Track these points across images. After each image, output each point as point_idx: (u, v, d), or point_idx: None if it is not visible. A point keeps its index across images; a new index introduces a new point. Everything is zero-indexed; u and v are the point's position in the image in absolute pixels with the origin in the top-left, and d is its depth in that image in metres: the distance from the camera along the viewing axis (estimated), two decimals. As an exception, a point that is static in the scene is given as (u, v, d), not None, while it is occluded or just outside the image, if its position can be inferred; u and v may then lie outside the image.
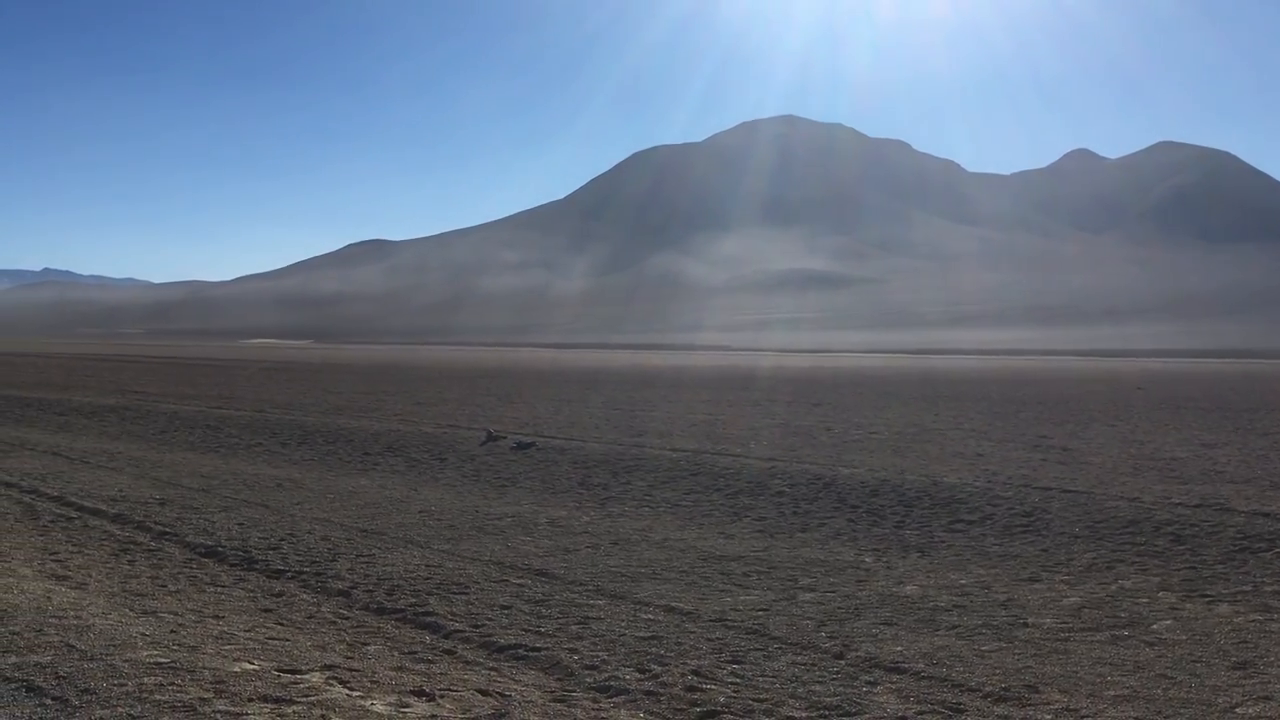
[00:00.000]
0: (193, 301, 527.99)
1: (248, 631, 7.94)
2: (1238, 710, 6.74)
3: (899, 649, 8.03)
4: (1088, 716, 6.67)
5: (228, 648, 7.23)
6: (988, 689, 7.14)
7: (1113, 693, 7.08)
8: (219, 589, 9.72)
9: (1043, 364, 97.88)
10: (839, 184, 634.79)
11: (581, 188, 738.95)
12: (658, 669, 7.50)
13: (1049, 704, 6.88)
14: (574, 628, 8.55)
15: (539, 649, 7.94)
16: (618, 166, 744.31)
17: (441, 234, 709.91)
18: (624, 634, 8.39)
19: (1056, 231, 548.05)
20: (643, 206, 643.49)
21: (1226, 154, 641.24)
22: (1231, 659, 7.81)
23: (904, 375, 65.20)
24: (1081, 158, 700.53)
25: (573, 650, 7.93)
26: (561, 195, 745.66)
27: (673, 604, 9.34)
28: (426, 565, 10.81)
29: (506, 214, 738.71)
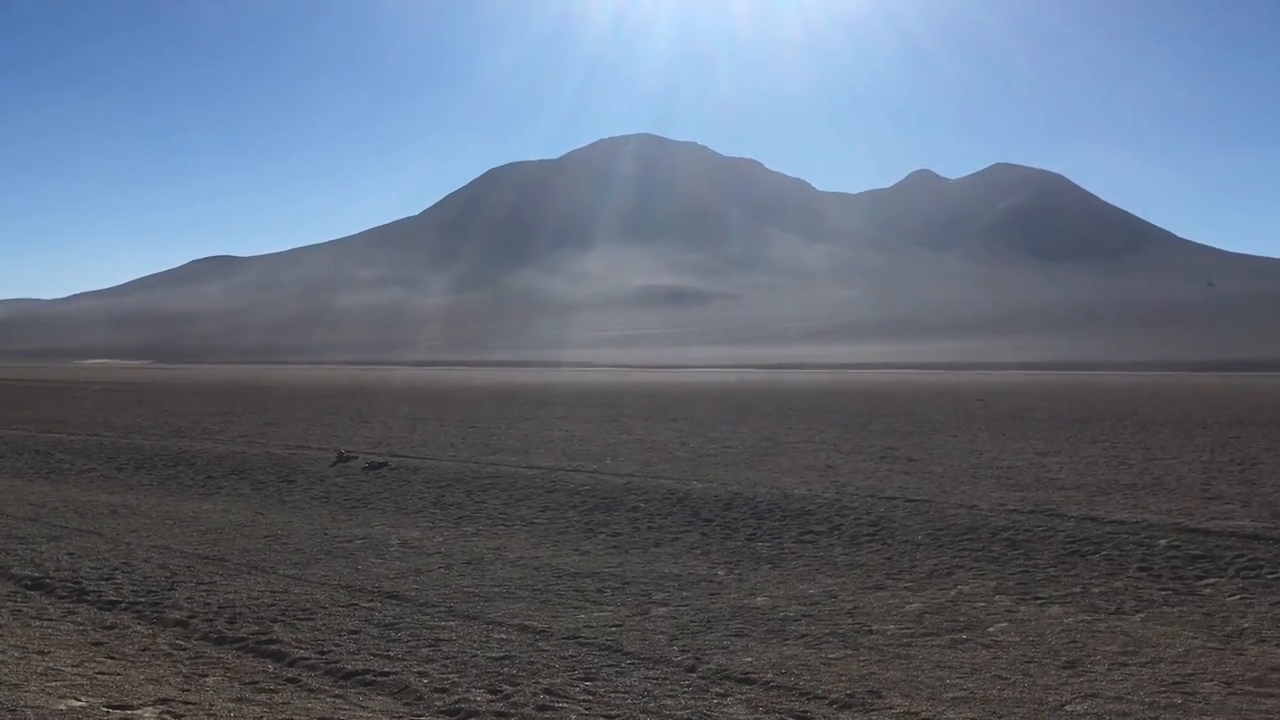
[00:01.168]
0: (22, 320, 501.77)
1: (75, 667, 7.55)
2: (1067, 708, 7.05)
3: (749, 660, 8.15)
4: (928, 719, 6.89)
5: (53, 684, 6.87)
6: (833, 696, 7.30)
7: (951, 695, 7.33)
8: (46, 623, 9.22)
9: (891, 377, 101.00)
10: (695, 202, 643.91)
11: (439, 203, 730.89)
12: (509, 689, 7.43)
13: (891, 709, 7.08)
14: (424, 650, 8.41)
15: (387, 673, 7.78)
16: (475, 182, 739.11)
17: (292, 249, 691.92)
18: (476, 655, 8.29)
19: (902, 249, 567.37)
20: (502, 223, 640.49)
21: (1058, 175, 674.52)
22: (1062, 658, 8.17)
23: (759, 390, 66.41)
24: (924, 178, 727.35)
25: (422, 673, 7.79)
26: (418, 211, 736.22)
27: (526, 623, 9.28)
28: (271, 591, 10.48)
29: (361, 229, 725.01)
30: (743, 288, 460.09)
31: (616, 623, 9.31)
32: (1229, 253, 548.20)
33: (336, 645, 8.53)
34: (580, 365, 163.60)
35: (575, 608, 9.90)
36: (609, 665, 8.04)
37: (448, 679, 7.67)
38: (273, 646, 8.49)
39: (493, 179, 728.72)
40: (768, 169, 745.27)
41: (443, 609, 9.80)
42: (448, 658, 8.21)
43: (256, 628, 9.06)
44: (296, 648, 8.45)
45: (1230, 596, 10.04)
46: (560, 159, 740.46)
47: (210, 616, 9.47)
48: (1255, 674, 7.68)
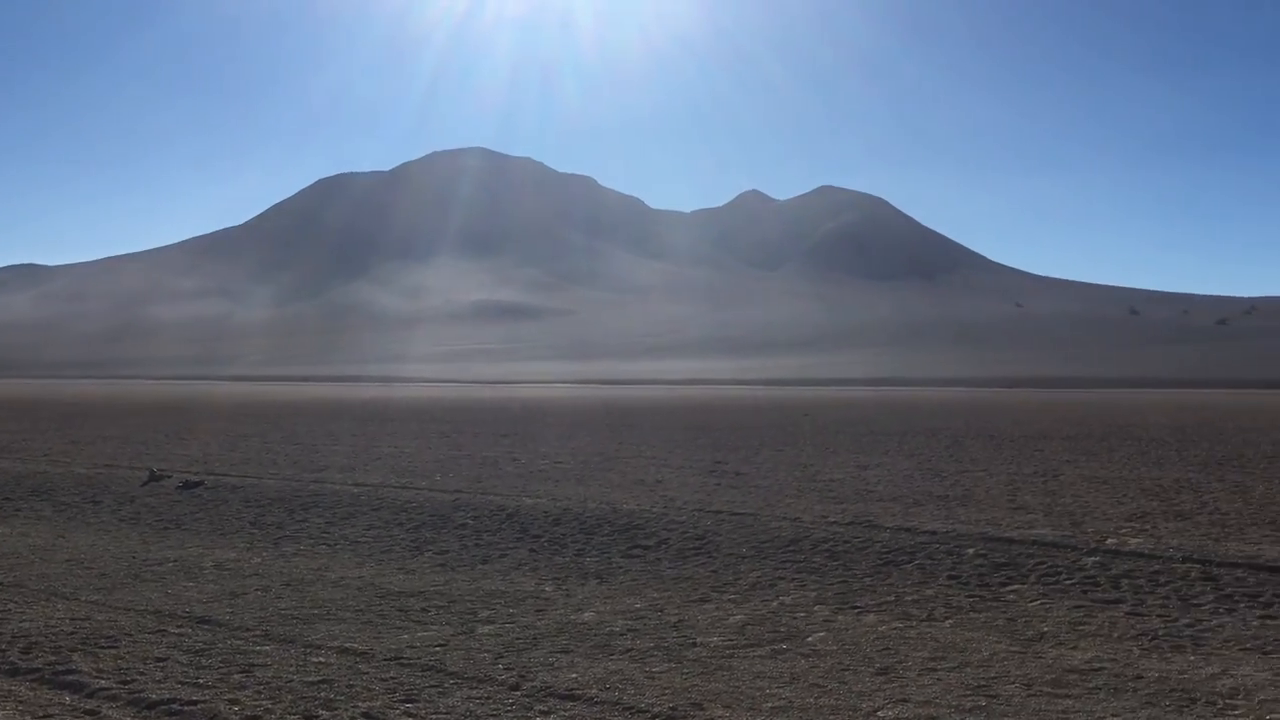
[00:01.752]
0: None
1: None
2: (879, 714, 7.29)
3: (574, 676, 8.13)
4: (747, 729, 7.01)
5: None
6: (656, 710, 7.35)
7: (770, 704, 7.48)
8: None
9: (722, 393, 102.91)
10: (529, 217, 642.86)
11: (264, 213, 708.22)
12: (325, 714, 7.21)
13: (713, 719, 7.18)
14: (237, 677, 8.08)
15: (195, 702, 7.44)
16: (304, 193, 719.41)
17: (105, 259, 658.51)
18: (291, 680, 8.01)
19: (733, 267, 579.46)
20: (332, 235, 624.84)
21: (880, 199, 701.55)
22: (876, 665, 8.44)
23: (592, 405, 66.63)
24: (754, 198, 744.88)
25: (233, 701, 7.48)
26: (242, 221, 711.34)
27: (346, 645, 9.03)
28: (72, 618, 9.90)
29: (180, 239, 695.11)
30: (579, 303, 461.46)
31: (441, 642, 9.16)
32: (1036, 275, 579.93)
33: (141, 674, 8.12)
34: (413, 381, 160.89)
35: (399, 628, 9.70)
36: (431, 686, 7.90)
37: (260, 706, 7.39)
38: (71, 677, 8.02)
39: (322, 190, 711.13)
40: (602, 186, 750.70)
41: (258, 633, 9.45)
42: (261, 684, 7.91)
43: (54, 657, 8.54)
44: (97, 677, 8.01)
45: (1032, 602, 10.57)
46: (393, 171, 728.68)
47: (2, 647, 8.88)
48: (1053, 675, 8.10)
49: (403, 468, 23.44)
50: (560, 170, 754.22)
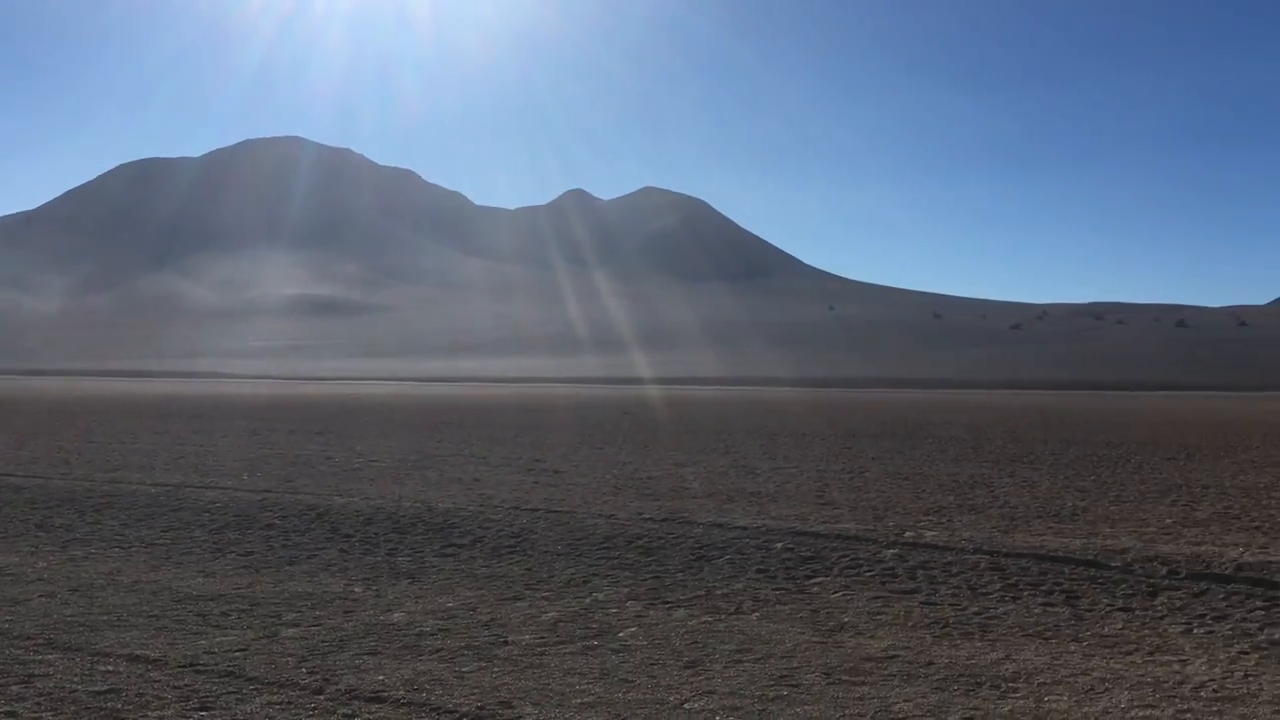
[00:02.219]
0: None
1: None
2: (685, 706, 7.41)
3: (381, 678, 7.96)
4: (555, 726, 7.01)
5: None
6: (463, 710, 7.28)
7: (579, 700, 7.50)
8: None
9: (543, 391, 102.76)
10: (348, 210, 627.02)
11: (58, 198, 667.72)
12: (112, 726, 6.84)
13: (521, 717, 7.15)
14: (15, 688, 7.59)
15: (-34, 718, 6.95)
16: (103, 177, 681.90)
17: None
18: (76, 690, 7.57)
19: (556, 265, 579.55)
20: (133, 221, 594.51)
21: (701, 201, 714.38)
22: (684, 659, 8.58)
23: (412, 403, 65.51)
24: (578, 197, 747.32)
25: (10, 713, 7.03)
26: (33, 205, 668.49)
27: (137, 652, 8.60)
28: None
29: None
30: (398, 300, 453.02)
31: (241, 647, 8.82)
32: (848, 279, 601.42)
33: (-95, 689, 7.53)
34: (222, 376, 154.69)
35: (195, 633, 9.29)
36: (229, 692, 7.60)
37: (40, 718, 6.96)
38: None
39: (127, 175, 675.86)
40: (425, 181, 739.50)
41: (40, 641, 8.90)
42: (42, 695, 7.45)
43: None
44: None
45: (834, 593, 10.95)
46: (205, 158, 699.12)
47: None
48: (852, 664, 8.42)
49: (207, 466, 22.51)
50: (382, 164, 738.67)
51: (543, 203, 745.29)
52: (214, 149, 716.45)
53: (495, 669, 8.25)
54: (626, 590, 11.13)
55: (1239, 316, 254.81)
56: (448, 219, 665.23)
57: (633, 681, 7.95)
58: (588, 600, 10.69)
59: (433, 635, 9.26)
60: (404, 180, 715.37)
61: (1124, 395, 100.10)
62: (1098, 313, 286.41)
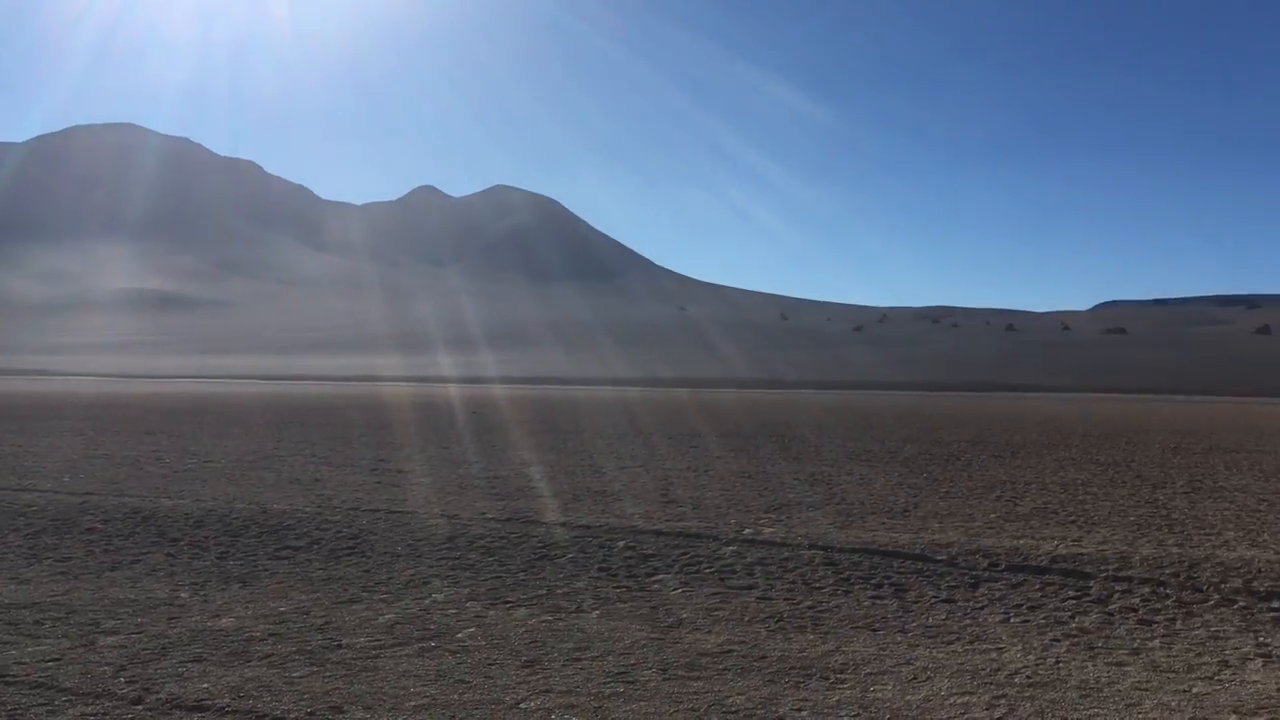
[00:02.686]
0: None
1: None
2: (521, 705, 7.39)
3: (205, 686, 7.69)
4: (387, 729, 6.89)
5: None
6: (292, 716, 7.09)
7: (413, 703, 7.40)
8: None
9: (390, 390, 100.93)
10: (187, 201, 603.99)
11: None
12: (-95, 744, 6.42)
13: (352, 722, 7.01)
14: None
15: None
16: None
17: None
18: None
19: (404, 262, 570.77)
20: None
21: (553, 200, 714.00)
22: (522, 658, 8.54)
23: (251, 401, 63.43)
24: (427, 194, 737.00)
25: None
26: None
27: (-62, 666, 8.09)
28: None
29: None
30: (239, 295, 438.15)
31: (55, 656, 8.40)
32: (698, 280, 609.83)
33: None
34: (49, 374, 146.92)
35: (6, 643, 8.79)
36: (40, 704, 7.23)
37: None
38: None
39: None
40: (267, 173, 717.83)
41: None
42: None
43: None
44: None
45: (674, 591, 11.08)
46: (28, 143, 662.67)
47: None
48: (688, 659, 8.53)
49: (24, 468, 21.35)
50: (223, 154, 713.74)
51: (392, 198, 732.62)
52: (40, 134, 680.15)
53: (327, 673, 8.07)
54: (466, 591, 11.03)
55: (1063, 321, 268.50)
56: (293, 213, 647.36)
57: (469, 682, 7.88)
58: (426, 601, 10.55)
59: (263, 641, 8.99)
60: (247, 172, 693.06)
61: (958, 396, 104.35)
62: (935, 316, 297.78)
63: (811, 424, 43.59)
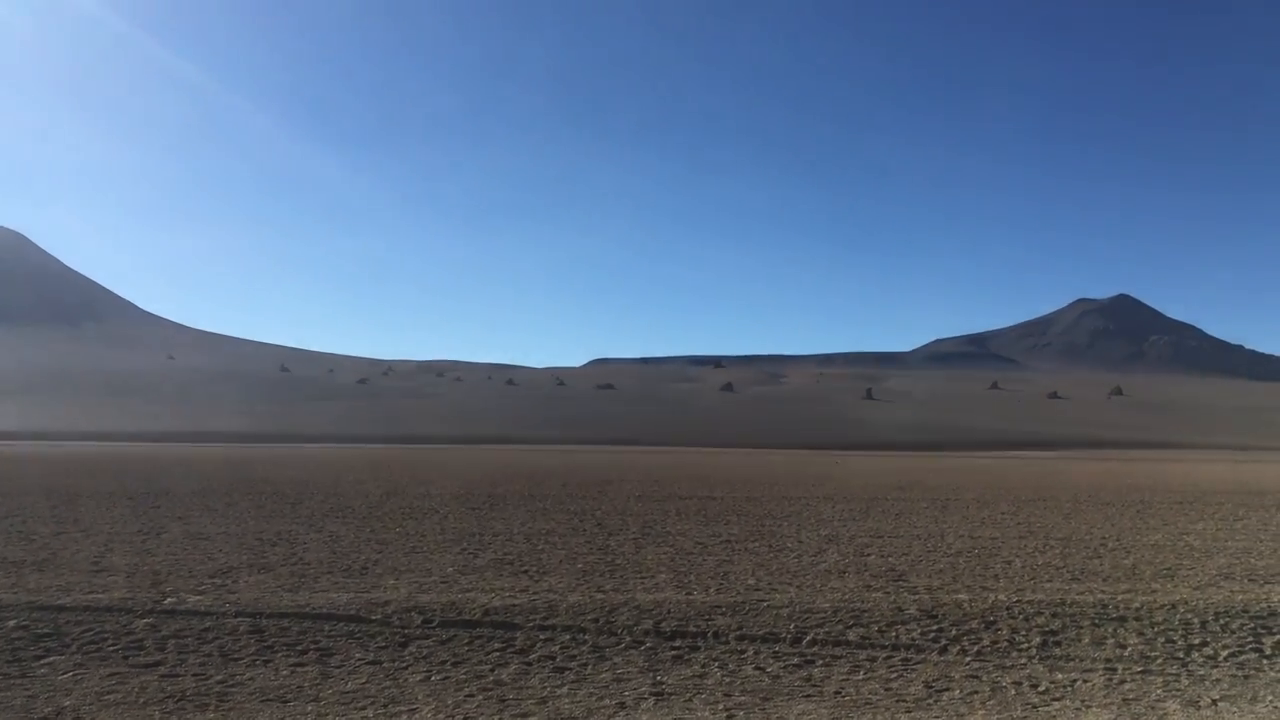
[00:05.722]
0: None
1: None
2: None
3: None
4: None
5: None
6: None
7: None
8: None
9: None
10: None
11: None
12: None
13: None
14: None
15: None
16: None
17: None
18: None
19: None
20: None
21: (18, 233, 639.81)
22: None
23: None
24: None
25: None
26: None
27: None
28: None
29: None
30: None
31: None
32: (189, 328, 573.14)
33: None
34: None
35: None
36: None
37: None
38: None
39: None
40: None
41: None
42: None
43: None
44: None
45: (64, 674, 9.83)
46: None
47: None
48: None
49: None
50: None
51: None
52: None
53: None
54: None
55: (558, 376, 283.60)
56: None
57: None
58: None
59: None
60: None
61: (457, 448, 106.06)
62: (439, 370, 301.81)
63: (296, 480, 42.00)
